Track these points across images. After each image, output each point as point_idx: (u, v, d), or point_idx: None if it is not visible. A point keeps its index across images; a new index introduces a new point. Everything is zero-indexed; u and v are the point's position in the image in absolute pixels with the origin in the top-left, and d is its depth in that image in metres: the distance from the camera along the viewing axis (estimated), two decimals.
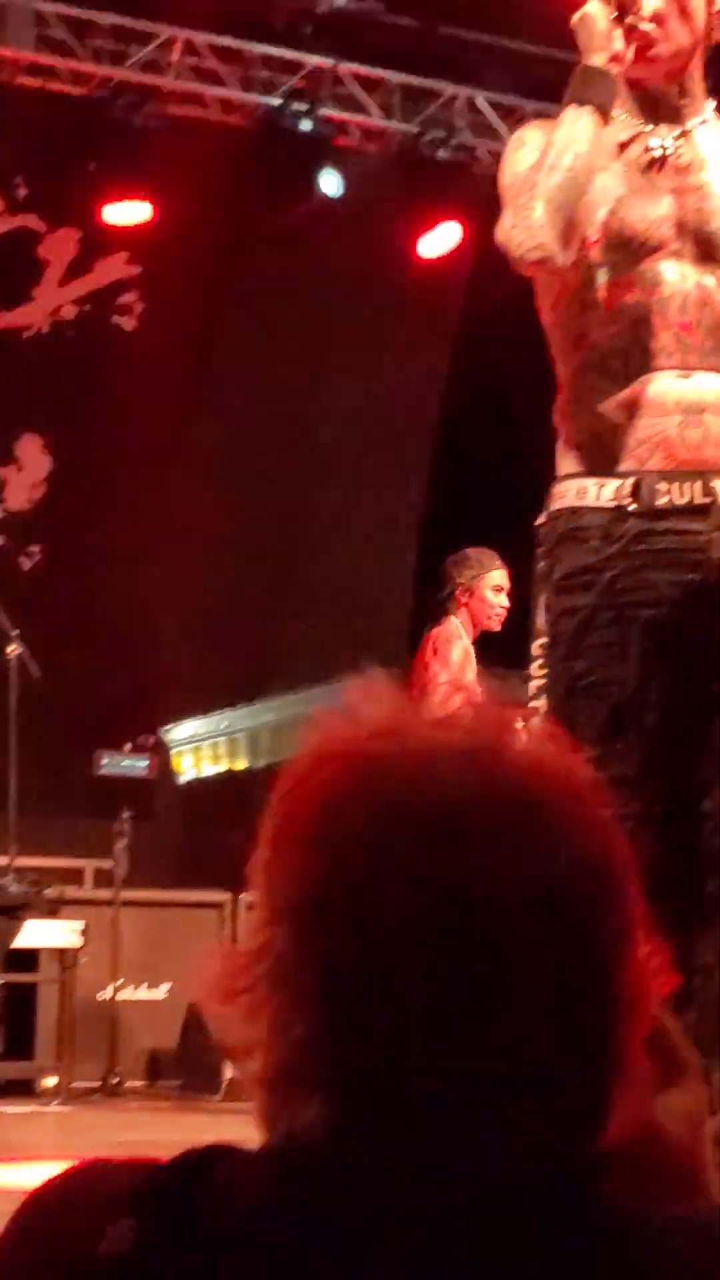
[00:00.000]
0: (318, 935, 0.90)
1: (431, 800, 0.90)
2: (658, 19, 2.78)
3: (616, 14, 2.74)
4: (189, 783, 11.73)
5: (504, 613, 6.25)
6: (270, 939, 0.92)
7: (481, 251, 8.05)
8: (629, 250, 2.77)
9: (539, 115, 7.92)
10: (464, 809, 0.90)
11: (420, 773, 0.92)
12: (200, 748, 12.51)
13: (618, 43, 2.74)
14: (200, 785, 11.69)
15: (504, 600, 6.25)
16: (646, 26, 2.77)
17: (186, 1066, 7.01)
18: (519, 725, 0.97)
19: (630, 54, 2.77)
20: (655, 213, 2.79)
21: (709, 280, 2.77)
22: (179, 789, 10.94)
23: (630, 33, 2.75)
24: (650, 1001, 0.96)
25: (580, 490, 2.79)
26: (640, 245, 2.77)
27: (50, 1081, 6.76)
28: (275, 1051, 0.91)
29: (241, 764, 12.00)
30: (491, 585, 6.26)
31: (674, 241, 2.78)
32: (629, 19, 2.74)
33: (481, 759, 0.93)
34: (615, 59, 2.75)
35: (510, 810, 0.91)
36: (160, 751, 9.83)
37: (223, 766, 12.28)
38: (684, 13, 2.81)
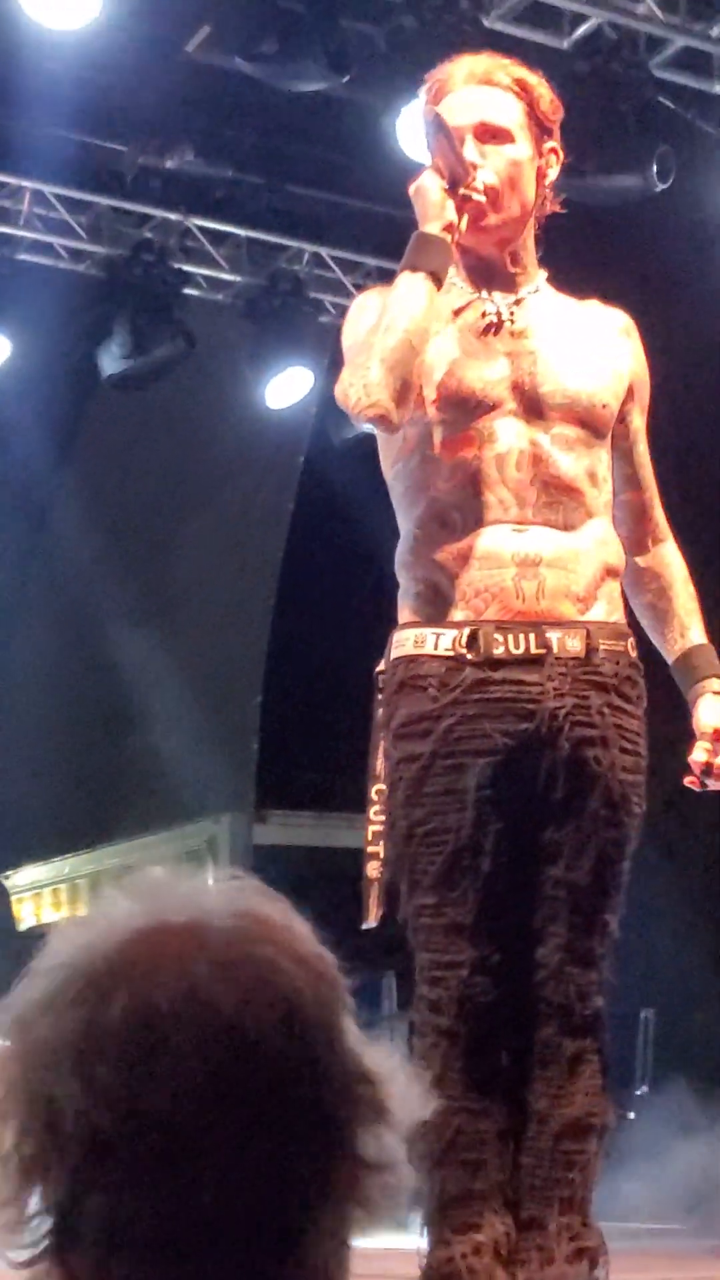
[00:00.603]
0: (32, 1091, 0.94)
1: (103, 955, 0.98)
2: (490, 191, 2.88)
3: (450, 185, 2.84)
4: (29, 930, 11.50)
5: None
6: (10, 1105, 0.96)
7: (327, 400, 8.19)
8: (466, 409, 2.85)
9: (381, 270, 8.11)
10: (125, 959, 0.98)
11: (101, 935, 1.00)
12: (41, 894, 12.29)
13: (451, 213, 2.83)
14: (41, 933, 11.45)
15: None
16: (479, 198, 2.86)
17: None
18: (209, 886, 1.04)
19: (464, 224, 2.87)
20: (491, 374, 2.87)
21: (542, 438, 2.85)
22: (18, 936, 10.72)
23: (463, 203, 2.84)
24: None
25: (418, 639, 2.83)
26: (477, 404, 2.85)
27: None
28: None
29: (84, 911, 11.80)
30: None
31: (509, 401, 2.86)
32: (462, 190, 2.84)
33: (158, 918, 1.00)
34: (448, 228, 2.83)
35: (167, 957, 0.98)
36: None
37: (64, 913, 12.07)
38: (515, 186, 2.92)
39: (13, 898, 11.24)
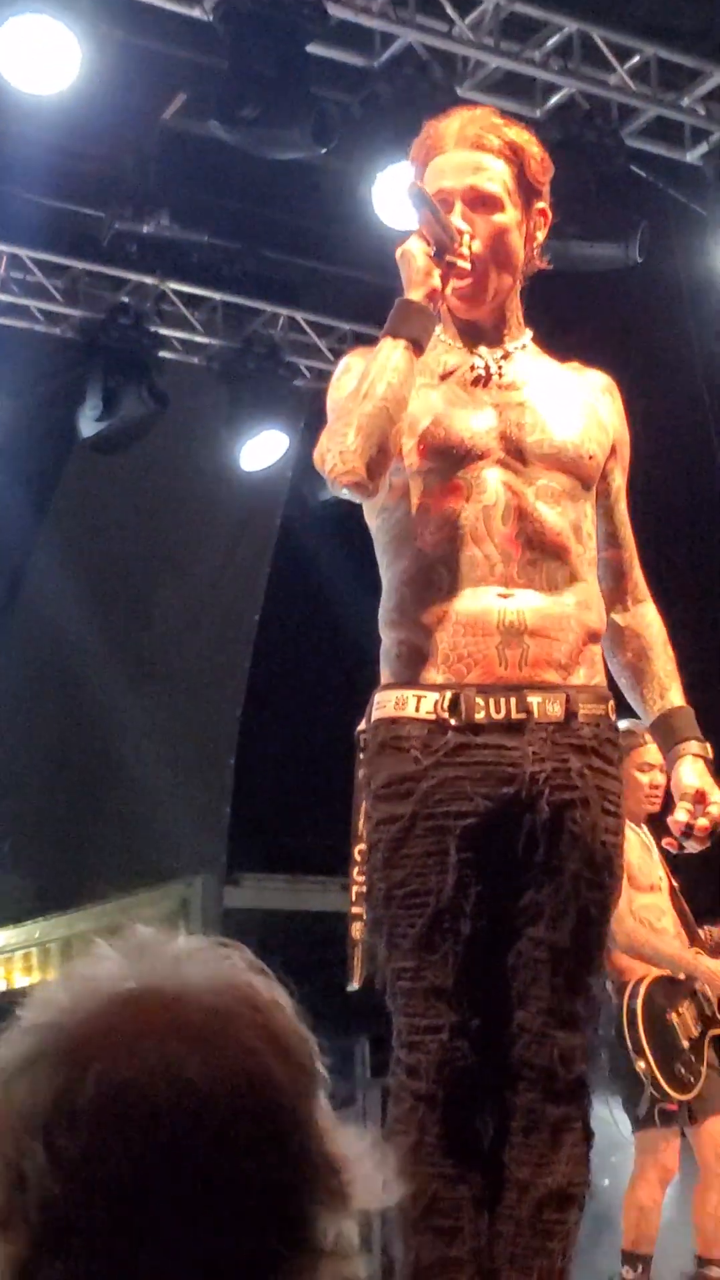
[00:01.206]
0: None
1: (74, 1025, 0.98)
2: (476, 259, 2.89)
3: (436, 251, 2.84)
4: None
5: (658, 791, 5.25)
6: None
7: (302, 463, 8.22)
8: (453, 457, 2.85)
9: (356, 334, 8.15)
10: (96, 1029, 0.97)
11: (71, 1004, 1.00)
12: (12, 958, 12.18)
13: (435, 280, 2.83)
14: (10, 998, 11.36)
15: (656, 778, 5.24)
16: (465, 265, 2.87)
17: None
18: (194, 953, 1.03)
19: (448, 290, 2.87)
20: (479, 424, 2.88)
21: (528, 490, 2.85)
22: None
23: (448, 271, 2.85)
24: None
25: (400, 701, 2.82)
26: (465, 453, 2.85)
27: None
28: None
29: (54, 976, 11.69)
30: (637, 764, 5.29)
31: (496, 451, 2.86)
32: (448, 257, 2.84)
33: (138, 988, 0.99)
34: (431, 295, 2.84)
35: (144, 1026, 0.97)
36: None
37: (34, 978, 11.96)
38: (503, 253, 2.92)
39: None
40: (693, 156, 6.98)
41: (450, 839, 2.74)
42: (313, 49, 6.16)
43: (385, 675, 2.89)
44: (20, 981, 12.01)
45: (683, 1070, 5.39)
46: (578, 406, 2.96)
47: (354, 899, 2.86)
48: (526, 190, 2.96)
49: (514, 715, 2.78)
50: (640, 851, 5.49)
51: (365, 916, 2.84)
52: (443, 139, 2.96)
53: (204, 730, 10.43)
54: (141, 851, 10.08)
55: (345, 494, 2.83)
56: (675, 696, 3.03)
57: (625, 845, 5.45)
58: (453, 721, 2.77)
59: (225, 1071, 0.96)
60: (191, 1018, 0.97)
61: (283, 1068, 0.98)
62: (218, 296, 8.47)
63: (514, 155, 2.95)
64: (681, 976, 5.47)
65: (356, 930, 2.84)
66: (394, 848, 2.78)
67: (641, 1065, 5.32)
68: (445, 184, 2.91)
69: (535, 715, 2.78)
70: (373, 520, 2.94)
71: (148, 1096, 0.94)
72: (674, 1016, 5.44)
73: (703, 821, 2.91)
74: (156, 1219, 0.92)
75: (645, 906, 5.51)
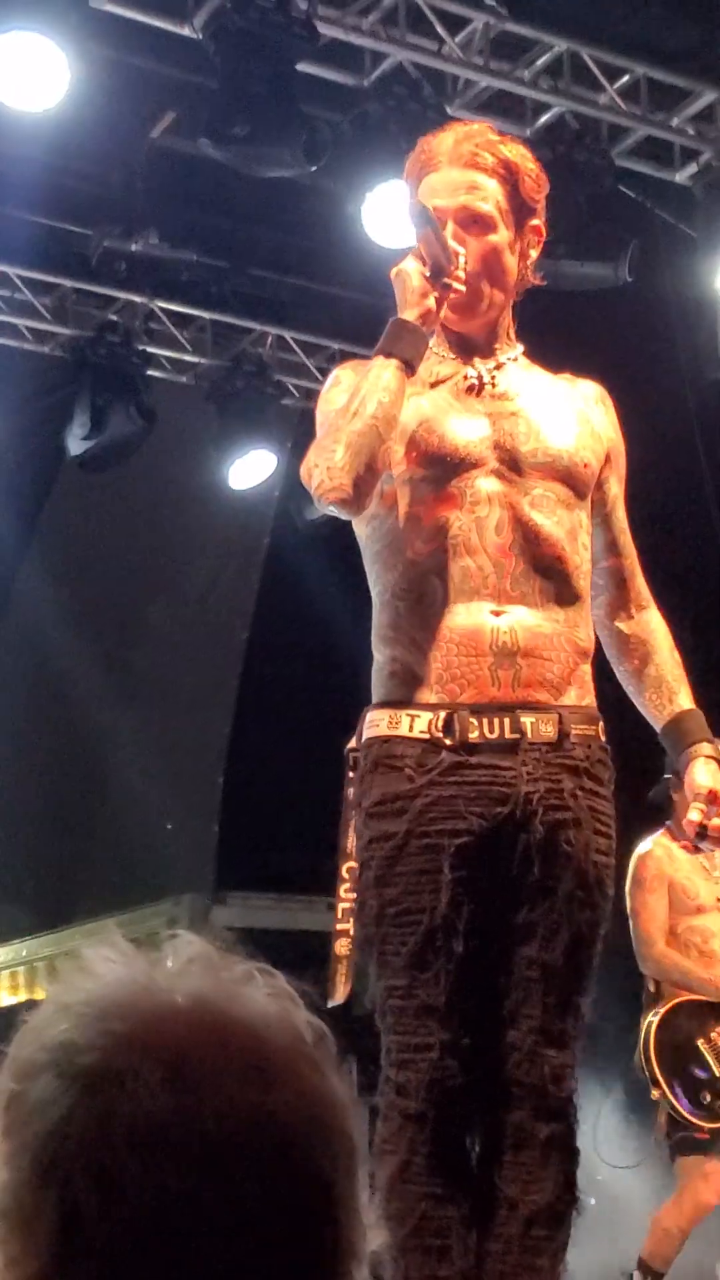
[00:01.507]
0: (54, 1172, 0.91)
1: (164, 1041, 0.94)
2: (471, 280, 2.89)
3: (432, 273, 2.83)
4: None
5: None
6: (8, 1178, 0.92)
7: (290, 482, 8.21)
8: (448, 465, 2.84)
9: (344, 354, 8.16)
10: (192, 1051, 0.94)
11: (154, 1015, 0.96)
12: None
13: (430, 301, 2.82)
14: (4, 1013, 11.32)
15: None
16: (460, 288, 2.87)
17: None
18: (252, 977, 1.02)
19: (442, 313, 2.87)
20: (473, 433, 2.88)
21: (523, 500, 2.85)
22: None
23: (444, 291, 2.85)
24: (362, 1240, 0.98)
25: (393, 720, 2.81)
26: (459, 461, 2.85)
27: None
28: None
29: (43, 994, 11.64)
30: None
31: (490, 461, 2.86)
32: (443, 279, 2.84)
33: (211, 1008, 0.97)
34: (425, 316, 2.84)
35: (234, 1055, 0.95)
36: None
37: (21, 997, 11.92)
38: (495, 273, 2.93)
39: None
40: (682, 177, 7.00)
41: (444, 857, 2.73)
42: (303, 67, 6.17)
43: (377, 693, 2.88)
44: (7, 1000, 11.97)
45: (710, 1097, 5.25)
46: (571, 415, 2.96)
47: (339, 915, 2.85)
48: (520, 208, 2.96)
49: (507, 735, 2.77)
50: (689, 870, 5.41)
51: (355, 934, 2.83)
52: (436, 156, 2.95)
53: (192, 748, 10.41)
54: (129, 869, 10.06)
55: (331, 510, 2.82)
56: (684, 700, 3.02)
57: (673, 864, 5.37)
58: (447, 741, 2.76)
59: (315, 1125, 0.95)
60: (269, 1048, 0.96)
61: (354, 1126, 0.98)
62: (206, 315, 8.47)
63: (508, 173, 2.94)
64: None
65: (340, 946, 2.83)
66: (387, 865, 2.77)
67: (656, 1094, 5.23)
68: (438, 202, 2.90)
69: (528, 736, 2.78)
70: (362, 529, 2.94)
71: (252, 1136, 0.92)
72: (703, 1043, 5.32)
73: (717, 822, 2.90)
74: (227, 1253, 0.91)
75: (692, 928, 5.39)
